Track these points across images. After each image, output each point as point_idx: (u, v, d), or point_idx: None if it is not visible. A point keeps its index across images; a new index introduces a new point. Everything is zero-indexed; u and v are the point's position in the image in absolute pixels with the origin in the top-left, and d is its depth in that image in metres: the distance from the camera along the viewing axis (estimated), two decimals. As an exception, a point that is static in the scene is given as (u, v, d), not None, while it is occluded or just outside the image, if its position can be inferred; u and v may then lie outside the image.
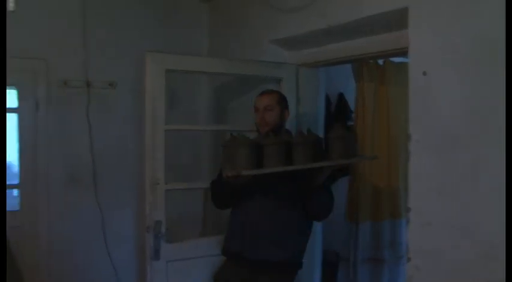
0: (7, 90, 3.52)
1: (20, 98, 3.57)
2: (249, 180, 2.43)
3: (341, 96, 4.51)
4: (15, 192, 3.68)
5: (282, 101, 2.68)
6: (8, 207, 3.54)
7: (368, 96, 3.71)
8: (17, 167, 3.60)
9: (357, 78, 3.73)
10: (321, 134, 3.32)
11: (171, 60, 2.82)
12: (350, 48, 2.91)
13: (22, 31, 3.45)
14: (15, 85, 3.55)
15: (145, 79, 2.74)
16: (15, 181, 3.61)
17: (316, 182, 2.45)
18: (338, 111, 4.45)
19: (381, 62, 3.78)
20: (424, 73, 2.19)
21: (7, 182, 3.62)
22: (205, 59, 3.18)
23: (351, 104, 4.28)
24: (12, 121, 3.55)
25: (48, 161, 3.60)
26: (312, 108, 3.31)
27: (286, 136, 2.49)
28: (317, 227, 3.31)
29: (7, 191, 3.66)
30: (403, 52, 2.45)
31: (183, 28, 4.06)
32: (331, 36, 2.91)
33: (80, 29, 3.61)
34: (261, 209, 2.60)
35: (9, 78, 3.45)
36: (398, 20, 2.38)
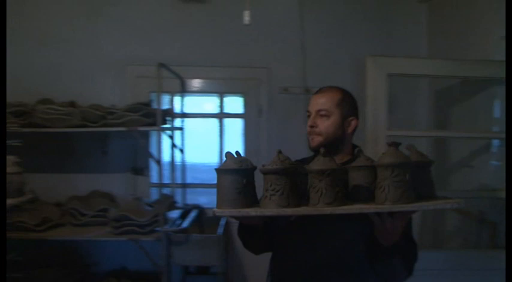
0: (235, 98, 3.86)
1: (245, 105, 3.86)
2: (258, 221, 1.72)
3: None
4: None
5: (345, 104, 1.85)
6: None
7: None
8: (242, 168, 3.88)
9: None
10: None
11: (392, 64, 2.72)
12: None
13: (249, 42, 3.73)
14: (241, 93, 3.86)
15: (366, 84, 2.70)
16: (240, 181, 3.89)
17: (380, 241, 1.59)
18: None
19: None
20: None
21: (205, 182, 3.94)
22: (429, 61, 2.99)
23: None
24: (238, 126, 3.87)
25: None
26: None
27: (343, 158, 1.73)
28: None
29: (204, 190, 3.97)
30: None
31: (400, 31, 3.91)
32: None
33: (299, 38, 3.76)
34: (307, 259, 1.79)
35: (236, 86, 3.82)
36: None
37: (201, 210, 3.72)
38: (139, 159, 3.74)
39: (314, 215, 1.48)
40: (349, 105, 1.86)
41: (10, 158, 2.48)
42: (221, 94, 3.86)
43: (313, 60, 3.79)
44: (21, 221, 3.06)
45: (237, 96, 3.91)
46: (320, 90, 1.89)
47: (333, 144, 1.81)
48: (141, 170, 3.73)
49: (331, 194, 1.43)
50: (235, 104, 3.92)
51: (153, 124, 3.05)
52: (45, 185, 3.33)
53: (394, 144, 1.46)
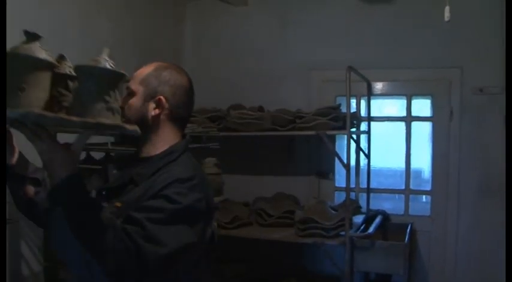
0: (423, 100, 3.68)
1: (434, 107, 3.64)
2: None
3: None
4: (425, 198, 3.78)
5: (153, 80, 1.47)
6: (419, 212, 3.70)
7: None
8: (430, 173, 3.69)
9: None
10: None
11: None
12: None
13: (438, 41, 3.52)
14: (430, 94, 3.65)
15: None
16: (427, 187, 3.70)
17: None
18: None
19: None
20: None
21: (419, 188, 3.78)
22: None
23: None
24: (426, 129, 3.68)
25: (460, 169, 3.55)
26: None
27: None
28: None
29: (419, 196, 3.81)
30: None
31: None
32: None
33: (496, 35, 3.42)
34: None
35: (425, 87, 3.63)
36: None
37: (385, 216, 3.61)
38: (324, 163, 3.77)
39: None
40: (159, 81, 1.47)
41: (211, 160, 2.68)
42: (408, 96, 3.69)
43: (514, 57, 3.43)
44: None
45: (426, 98, 3.71)
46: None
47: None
48: (325, 174, 3.76)
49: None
50: (423, 106, 3.73)
51: (342, 128, 3.04)
52: (234, 185, 3.50)
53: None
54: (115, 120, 1.18)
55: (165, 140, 1.46)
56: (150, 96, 1.45)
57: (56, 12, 2.73)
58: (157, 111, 1.44)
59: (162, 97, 1.44)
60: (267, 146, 3.80)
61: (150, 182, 1.35)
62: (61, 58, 1.27)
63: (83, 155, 2.54)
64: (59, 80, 1.22)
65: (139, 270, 1.21)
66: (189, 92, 1.52)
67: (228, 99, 3.68)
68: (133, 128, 1.26)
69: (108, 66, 1.14)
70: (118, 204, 1.35)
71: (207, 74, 4.07)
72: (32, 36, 1.15)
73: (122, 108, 1.41)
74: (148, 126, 1.44)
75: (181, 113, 1.49)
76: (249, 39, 3.99)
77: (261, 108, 3.48)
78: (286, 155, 3.83)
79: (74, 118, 1.11)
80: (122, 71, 1.19)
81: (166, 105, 1.45)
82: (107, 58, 1.15)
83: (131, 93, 1.46)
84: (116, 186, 1.43)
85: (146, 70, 1.49)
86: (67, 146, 1.25)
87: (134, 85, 1.46)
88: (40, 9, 2.60)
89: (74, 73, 1.25)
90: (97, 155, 2.63)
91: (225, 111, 3.47)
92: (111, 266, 1.20)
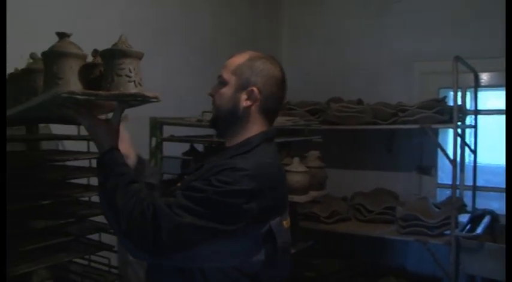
0: (498, 92, 3.40)
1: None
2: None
3: None
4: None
5: (246, 70, 1.43)
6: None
7: None
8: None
9: None
10: None
11: None
12: None
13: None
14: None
15: None
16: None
17: None
18: None
19: None
20: None
21: (499, 186, 3.51)
22: None
23: None
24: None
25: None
26: None
27: None
28: None
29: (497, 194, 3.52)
30: None
31: None
32: None
33: None
34: None
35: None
36: None
37: (494, 216, 3.39)
38: (426, 158, 3.62)
39: None
40: (252, 71, 1.42)
41: (314, 153, 2.66)
42: (522, 87, 3.43)
43: None
44: (313, 212, 3.28)
45: (499, 90, 3.41)
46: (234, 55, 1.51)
47: (226, 121, 1.45)
48: (427, 169, 3.61)
49: None
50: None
51: (447, 121, 2.90)
52: (332, 179, 3.44)
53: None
54: (138, 90, 1.31)
55: (250, 131, 1.44)
56: (243, 86, 1.42)
57: (162, 10, 2.84)
58: (248, 102, 1.42)
59: (254, 88, 1.41)
60: (366, 140, 3.71)
61: (209, 167, 1.35)
62: (95, 52, 1.41)
63: (187, 147, 2.64)
64: (93, 69, 1.38)
65: (152, 233, 1.20)
66: (281, 83, 1.48)
67: (325, 92, 3.64)
68: (154, 95, 1.33)
69: (124, 48, 1.30)
70: (179, 184, 1.43)
71: (304, 67, 4.05)
72: (62, 35, 1.34)
73: (212, 96, 1.47)
74: (238, 117, 1.43)
75: (272, 105, 1.46)
76: (346, 29, 3.91)
77: (360, 101, 3.40)
78: (386, 149, 3.71)
79: (101, 92, 1.28)
80: (138, 50, 1.32)
81: (259, 97, 1.42)
82: (123, 41, 1.31)
83: (223, 82, 1.44)
84: (190, 173, 1.48)
85: (239, 60, 1.46)
86: (106, 120, 1.39)
87: (226, 74, 1.44)
88: (148, 7, 2.73)
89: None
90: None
91: (324, 105, 3.43)
92: (125, 226, 1.22)
